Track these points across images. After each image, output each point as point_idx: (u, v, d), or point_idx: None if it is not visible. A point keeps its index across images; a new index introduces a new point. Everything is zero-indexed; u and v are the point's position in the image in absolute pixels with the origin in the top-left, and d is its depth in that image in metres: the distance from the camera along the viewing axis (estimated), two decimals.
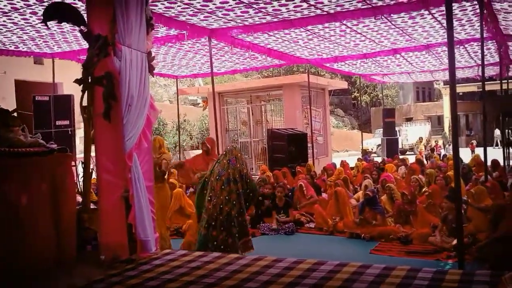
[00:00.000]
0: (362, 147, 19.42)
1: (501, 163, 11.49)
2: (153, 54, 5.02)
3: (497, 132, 29.85)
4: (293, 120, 16.43)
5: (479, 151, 13.66)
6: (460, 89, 31.82)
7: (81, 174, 4.79)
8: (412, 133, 30.67)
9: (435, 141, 22.61)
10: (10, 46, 9.67)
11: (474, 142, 23.92)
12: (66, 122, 10.54)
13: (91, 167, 4.69)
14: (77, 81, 4.50)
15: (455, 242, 6.07)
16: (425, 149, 20.58)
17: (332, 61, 12.95)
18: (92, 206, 4.84)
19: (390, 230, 7.46)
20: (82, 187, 4.74)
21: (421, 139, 23.07)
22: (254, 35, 9.29)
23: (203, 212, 5.52)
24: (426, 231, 7.14)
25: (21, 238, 3.91)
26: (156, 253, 4.63)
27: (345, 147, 32.37)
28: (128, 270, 4.10)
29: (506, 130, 13.79)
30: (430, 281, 3.28)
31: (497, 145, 28.13)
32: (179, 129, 17.64)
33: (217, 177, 5.40)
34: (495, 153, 13.75)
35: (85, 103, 4.55)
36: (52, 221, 4.21)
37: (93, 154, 4.65)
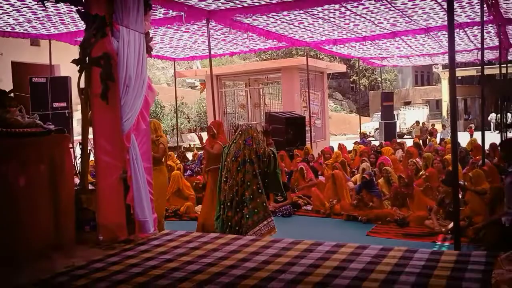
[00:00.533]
0: (360, 131, 19.40)
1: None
2: (152, 36, 4.98)
3: (493, 116, 29.84)
4: (291, 103, 16.38)
5: (478, 135, 13.66)
6: (459, 73, 31.70)
7: (79, 155, 4.79)
8: (410, 117, 30.66)
9: (431, 125, 22.45)
10: (7, 28, 9.57)
11: (473, 126, 23.90)
12: (63, 104, 10.48)
13: (89, 148, 4.70)
14: (75, 61, 4.48)
15: (451, 225, 6.11)
16: (420, 132, 20.28)
17: (331, 44, 12.86)
18: (90, 187, 4.86)
19: (387, 212, 7.50)
20: (80, 168, 4.74)
21: (417, 122, 22.78)
22: (253, 17, 9.21)
23: (219, 194, 5.47)
24: (423, 214, 7.18)
25: (19, 219, 3.92)
26: (155, 233, 4.66)
27: (343, 130, 32.38)
28: (126, 250, 4.13)
29: (504, 114, 13.79)
30: (426, 262, 3.31)
31: (495, 129, 28.14)
32: (176, 112, 17.58)
33: (233, 158, 5.31)
34: (492, 137, 13.79)
35: (82, 84, 4.54)
36: (50, 202, 4.22)
37: (91, 136, 4.65)
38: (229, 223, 5.23)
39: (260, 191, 5.24)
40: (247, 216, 5.17)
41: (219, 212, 5.46)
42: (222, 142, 6.40)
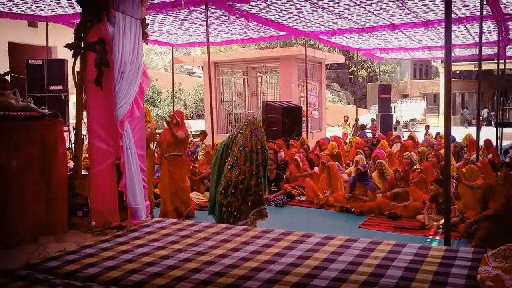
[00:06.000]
0: (357, 123, 19.25)
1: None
2: (149, 23, 4.95)
3: (484, 111, 29.69)
4: (289, 93, 16.35)
5: (473, 130, 13.68)
6: (458, 67, 31.67)
7: (74, 139, 4.78)
8: (407, 110, 30.64)
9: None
10: (4, 9, 9.48)
11: (474, 120, 23.68)
12: (60, 87, 10.43)
13: (83, 133, 4.69)
14: (68, 46, 4.45)
15: (442, 221, 6.14)
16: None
17: (330, 34, 12.80)
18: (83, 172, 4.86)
19: (380, 202, 7.53)
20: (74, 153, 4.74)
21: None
22: (252, 4, 9.13)
23: (221, 179, 5.55)
24: (418, 205, 7.23)
25: (10, 203, 3.92)
26: (147, 220, 4.67)
27: (339, 121, 32.33)
28: (118, 236, 4.14)
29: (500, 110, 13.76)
30: (414, 256, 3.33)
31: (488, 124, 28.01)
32: (173, 98, 17.51)
33: (240, 148, 5.45)
34: (488, 133, 13.82)
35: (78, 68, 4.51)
36: (42, 186, 4.22)
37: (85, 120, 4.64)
38: (229, 209, 5.37)
39: (259, 180, 5.45)
40: (249, 203, 5.38)
41: (214, 196, 5.59)
42: (184, 131, 6.93)
